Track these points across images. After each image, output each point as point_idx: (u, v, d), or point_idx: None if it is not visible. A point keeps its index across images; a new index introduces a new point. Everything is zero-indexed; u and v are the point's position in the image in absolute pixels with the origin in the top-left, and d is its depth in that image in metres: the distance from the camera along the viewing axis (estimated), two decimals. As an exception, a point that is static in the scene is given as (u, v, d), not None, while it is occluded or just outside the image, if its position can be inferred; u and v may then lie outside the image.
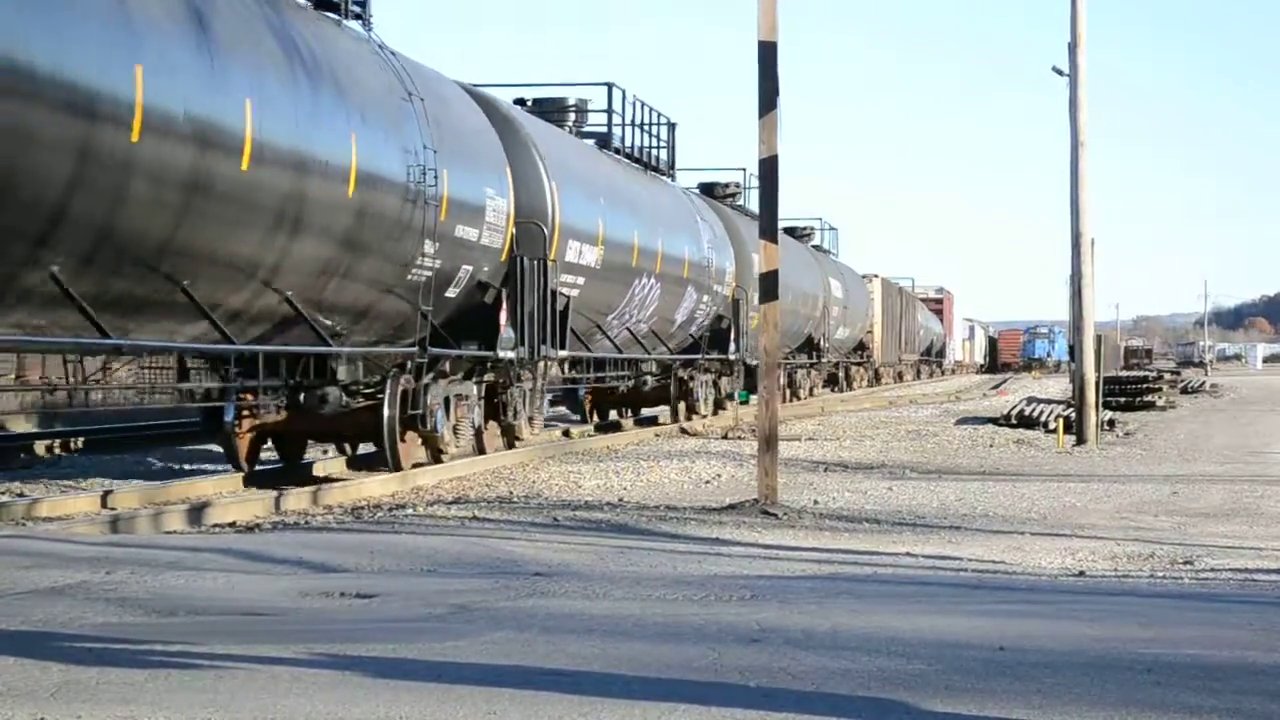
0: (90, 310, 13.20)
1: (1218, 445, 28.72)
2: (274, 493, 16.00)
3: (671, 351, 31.82)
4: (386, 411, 18.71)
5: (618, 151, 29.28)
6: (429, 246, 18.43)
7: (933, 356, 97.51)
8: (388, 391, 18.77)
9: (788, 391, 47.00)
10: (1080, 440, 28.60)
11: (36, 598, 8.63)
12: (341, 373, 18.80)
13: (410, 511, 15.42)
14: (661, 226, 28.99)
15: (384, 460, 19.11)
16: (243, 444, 18.87)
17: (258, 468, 19.21)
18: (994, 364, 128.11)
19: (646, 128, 31.28)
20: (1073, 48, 29.66)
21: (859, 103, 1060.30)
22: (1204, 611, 8.86)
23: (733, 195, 40.52)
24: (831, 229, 58.63)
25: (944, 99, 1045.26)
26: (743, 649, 7.10)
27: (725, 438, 28.77)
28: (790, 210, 50.25)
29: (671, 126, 33.01)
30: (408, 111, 18.02)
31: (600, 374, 29.10)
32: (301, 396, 18.42)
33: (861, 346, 62.47)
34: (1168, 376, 51.09)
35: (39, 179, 11.97)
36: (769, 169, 16.84)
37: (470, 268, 20.01)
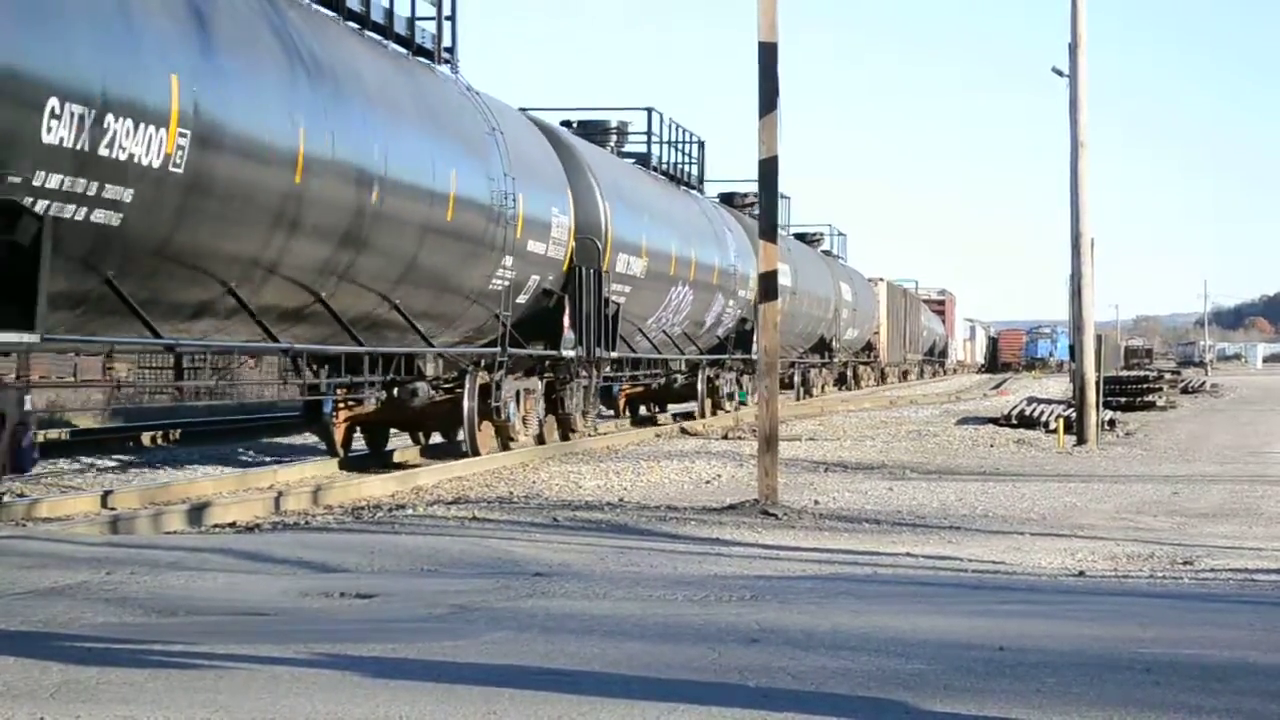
0: (263, 320, 15.95)
1: (1218, 445, 28.72)
2: (274, 493, 16.04)
3: (701, 352, 34.48)
4: (467, 403, 21.36)
5: (655, 169, 32.53)
6: (507, 260, 21.41)
7: (935, 356, 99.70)
8: (467, 386, 21.39)
9: (801, 390, 50.32)
10: (1080, 440, 28.59)
11: (37, 598, 8.63)
12: (429, 369, 21.36)
13: (410, 512, 15.41)
14: (695, 238, 31.79)
15: (452, 450, 22.27)
16: (339, 433, 21.24)
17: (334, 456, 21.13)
18: (994, 364, 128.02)
19: (679, 146, 34.62)
20: (1073, 48, 29.66)
21: (858, 103, 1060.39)
22: (1204, 612, 8.86)
23: (751, 205, 42.47)
24: (840, 234, 61.55)
25: (944, 99, 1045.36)
26: (743, 649, 7.10)
27: (725, 438, 28.77)
28: (796, 213, 52.09)
29: (701, 144, 36.33)
30: (490, 144, 20.96)
31: (636, 372, 31.40)
32: (395, 391, 20.84)
33: (869, 347, 65.15)
34: (1168, 376, 51.10)
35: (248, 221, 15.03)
36: (769, 170, 16.85)
37: (538, 277, 22.90)
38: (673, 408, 36.32)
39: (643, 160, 32.10)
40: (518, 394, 22.64)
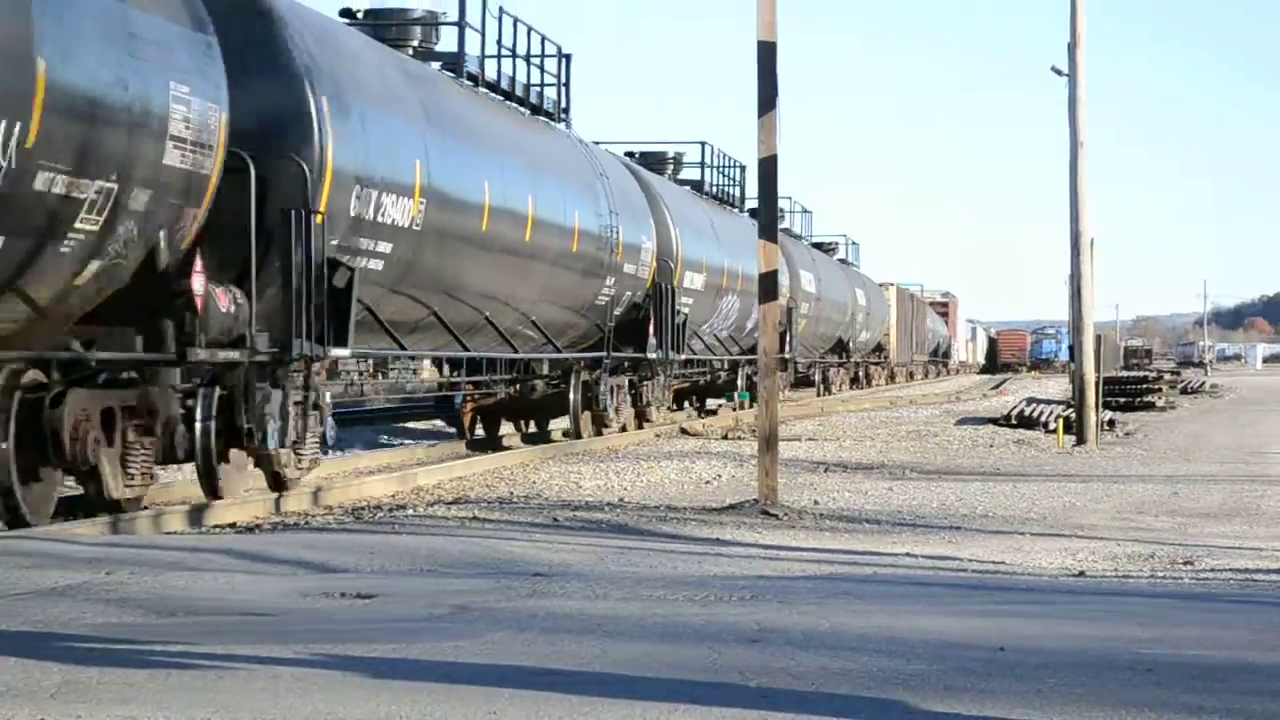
0: (455, 332, 20.28)
1: (1217, 445, 28.73)
2: (274, 494, 16.04)
3: (742, 352, 38.69)
4: (573, 396, 26.03)
5: (708, 194, 38.35)
6: (610, 280, 26.11)
7: (939, 357, 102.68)
8: (572, 382, 25.99)
9: (821, 387, 55.87)
10: (1080, 440, 28.59)
11: (37, 598, 8.63)
12: (544, 369, 26.22)
13: (410, 512, 15.41)
14: (741, 253, 35.49)
15: (544, 437, 27.38)
16: (466, 420, 26.00)
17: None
18: (994, 363, 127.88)
19: (725, 170, 40.54)
20: (1072, 47, 29.66)
21: (857, 103, 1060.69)
22: (1204, 612, 8.86)
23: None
24: (854, 244, 67.55)
25: (943, 99, 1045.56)
26: (743, 649, 7.10)
27: (725, 438, 28.79)
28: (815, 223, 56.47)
29: (742, 168, 41.94)
30: (599, 188, 25.80)
31: (688, 370, 36.02)
32: (516, 387, 25.98)
33: (879, 348, 69.42)
34: (1167, 377, 51.10)
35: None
36: (768, 169, 16.83)
37: (630, 293, 27.53)
38: (710, 402, 40.63)
39: (696, 186, 37.76)
40: (612, 389, 27.31)
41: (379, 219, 16.99)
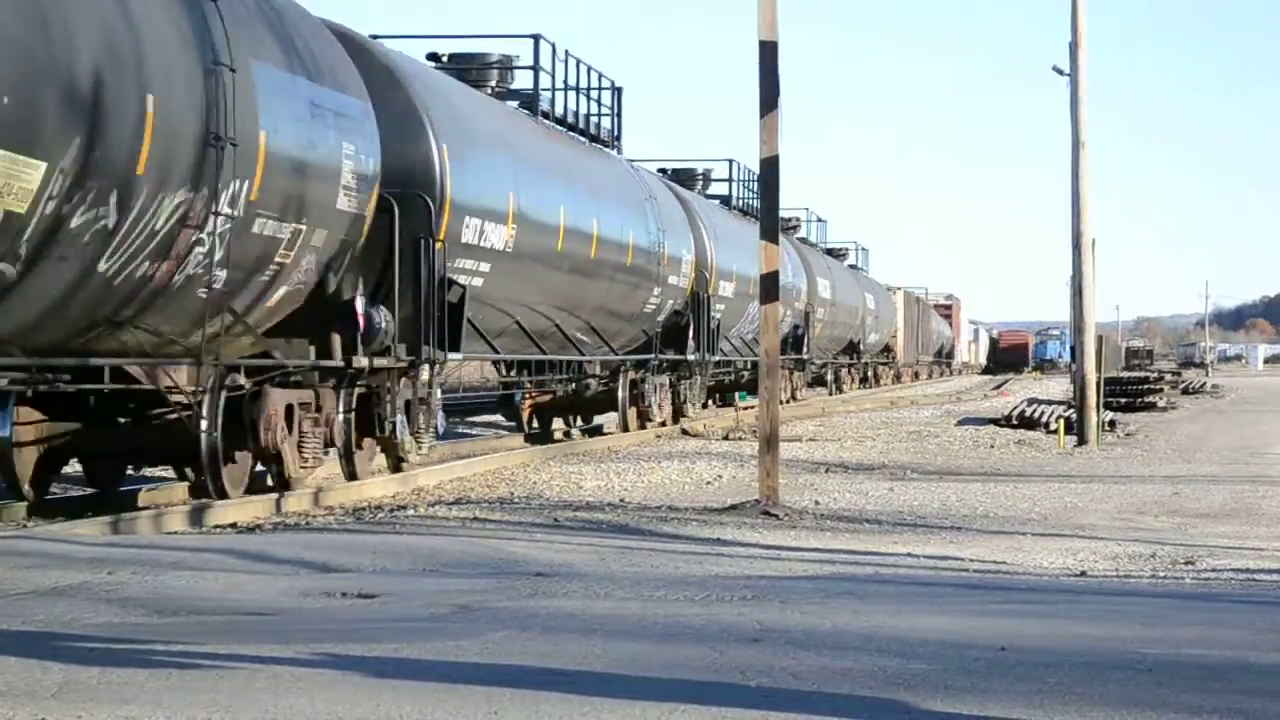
0: (534, 338, 23.56)
1: (1218, 446, 28.72)
2: (274, 494, 16.05)
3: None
4: (621, 394, 28.94)
5: (735, 208, 41.99)
6: (656, 290, 29.18)
7: (943, 357, 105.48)
8: (620, 381, 28.95)
9: (834, 386, 58.89)
10: (1081, 441, 28.59)
11: (37, 598, 8.64)
12: (596, 369, 28.38)
13: (411, 512, 15.41)
14: None
15: (591, 431, 30.44)
16: (524, 415, 28.79)
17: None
18: (995, 364, 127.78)
19: (749, 184, 42.70)
20: (1073, 47, 29.66)
21: (857, 103, 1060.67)
22: (1205, 612, 8.86)
23: (794, 228, 52.60)
24: (863, 250, 71.77)
25: (943, 99, 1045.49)
26: (744, 649, 7.09)
27: (726, 438, 28.79)
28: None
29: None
30: (647, 208, 28.77)
31: (714, 370, 37.83)
32: (572, 385, 28.19)
33: (887, 349, 72.85)
34: (1168, 377, 51.14)
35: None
36: (769, 169, 16.84)
37: (673, 301, 30.59)
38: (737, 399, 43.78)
39: (725, 200, 41.47)
40: (655, 386, 30.60)
41: (482, 243, 20.33)
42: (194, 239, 13.71)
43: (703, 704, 5.89)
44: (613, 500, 17.12)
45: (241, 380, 15.58)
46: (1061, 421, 30.94)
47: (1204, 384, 64.81)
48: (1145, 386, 44.44)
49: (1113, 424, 32.90)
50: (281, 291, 15.70)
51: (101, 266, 12.72)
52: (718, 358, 34.55)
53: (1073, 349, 31.21)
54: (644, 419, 30.26)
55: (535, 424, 29.39)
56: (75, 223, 12.13)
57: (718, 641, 7.28)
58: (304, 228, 15.45)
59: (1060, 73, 30.20)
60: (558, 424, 30.67)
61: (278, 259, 15.25)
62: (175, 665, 6.60)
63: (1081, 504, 17.68)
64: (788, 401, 44.79)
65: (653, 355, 29.95)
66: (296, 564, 10.79)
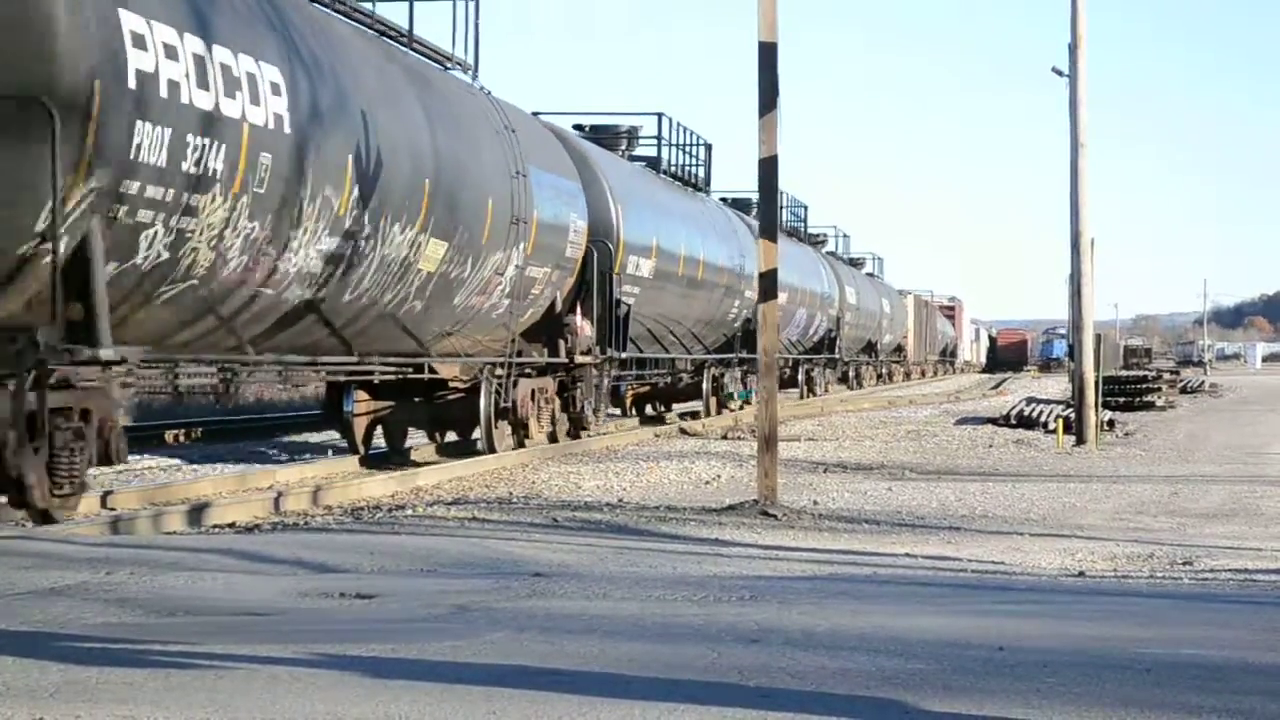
0: (661, 342, 31.93)
1: (1217, 445, 28.73)
2: (273, 494, 16.06)
3: (803, 352, 50.55)
4: (705, 385, 36.01)
5: (782, 230, 45.17)
6: (737, 301, 36.49)
7: (947, 356, 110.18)
8: (705, 375, 35.93)
9: (855, 381, 64.82)
10: (1080, 440, 28.58)
11: (36, 598, 8.64)
12: (686, 365, 35.16)
13: (410, 512, 15.41)
14: (810, 277, 49.05)
15: (660, 419, 35.48)
16: (628, 402, 35.20)
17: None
18: (994, 363, 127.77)
19: (793, 208, 51.93)
20: (1073, 48, 29.65)
21: (857, 102, 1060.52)
22: (1204, 612, 8.87)
23: (822, 242, 59.62)
24: (878, 258, 77.69)
25: (943, 99, 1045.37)
26: (742, 649, 7.10)
27: (725, 438, 28.79)
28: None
29: (805, 207, 54.81)
30: (730, 232, 36.78)
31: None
32: (669, 379, 35.03)
33: (898, 349, 79.24)
34: (1167, 376, 50.99)
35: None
36: (768, 169, 16.83)
37: (747, 312, 36.34)
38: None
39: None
40: (733, 379, 37.94)
41: (636, 273, 28.43)
42: (499, 282, 21.63)
43: (701, 704, 5.90)
44: (611, 500, 17.12)
45: (500, 373, 22.72)
46: (1060, 421, 30.94)
47: (1202, 382, 64.80)
48: (1144, 385, 44.40)
49: (1111, 423, 32.89)
50: (529, 312, 23.76)
51: (455, 301, 20.55)
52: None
53: (1071, 347, 31.19)
54: (722, 406, 37.11)
55: (634, 410, 36.19)
56: (452, 275, 19.88)
57: (716, 642, 7.28)
58: (549, 269, 23.67)
59: (1060, 74, 30.21)
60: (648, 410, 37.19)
61: (534, 291, 23.38)
62: (174, 665, 6.61)
63: (1080, 504, 17.68)
64: (824, 392, 53.37)
65: (733, 354, 37.45)
66: (295, 564, 10.79)
